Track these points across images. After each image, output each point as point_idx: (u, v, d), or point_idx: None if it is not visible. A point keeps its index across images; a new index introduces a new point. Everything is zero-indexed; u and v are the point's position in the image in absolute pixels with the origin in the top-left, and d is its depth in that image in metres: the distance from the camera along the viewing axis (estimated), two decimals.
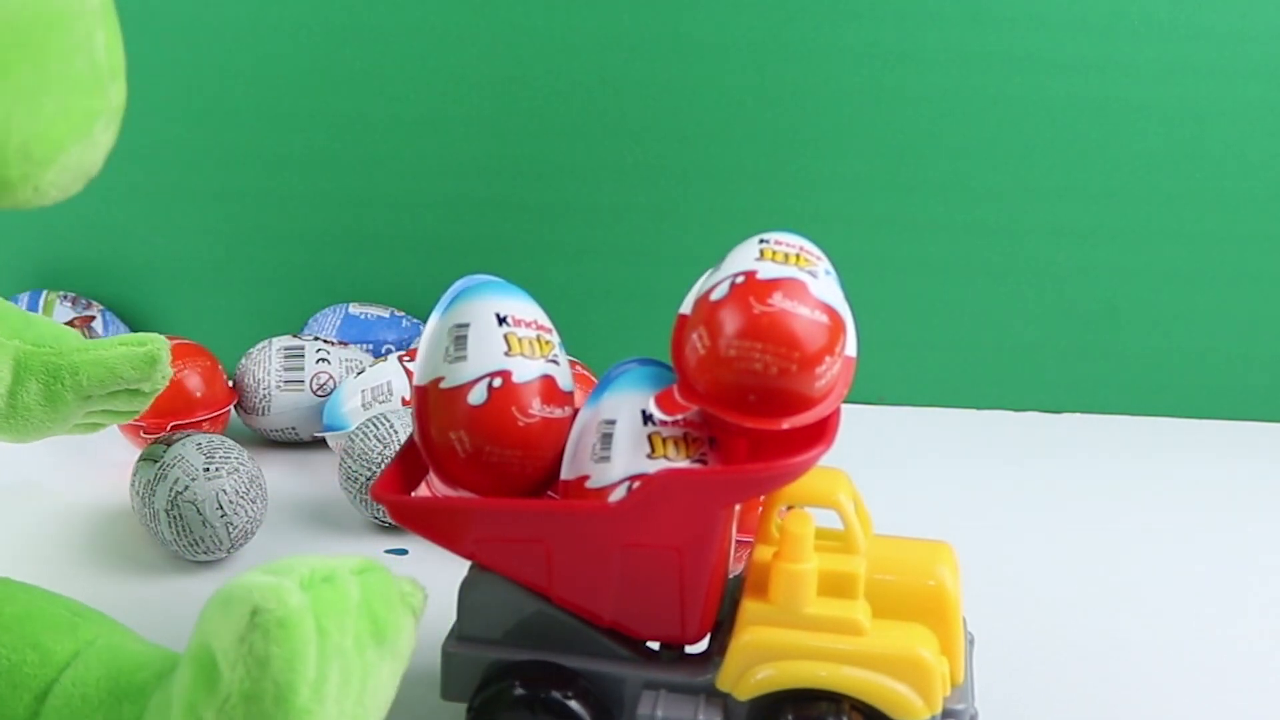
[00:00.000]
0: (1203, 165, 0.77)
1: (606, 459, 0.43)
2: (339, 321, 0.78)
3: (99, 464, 0.70)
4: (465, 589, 0.45)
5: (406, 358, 0.69)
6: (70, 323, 0.78)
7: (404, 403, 0.67)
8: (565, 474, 0.44)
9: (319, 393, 0.71)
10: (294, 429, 0.72)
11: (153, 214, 0.81)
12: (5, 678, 0.41)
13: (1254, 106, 0.76)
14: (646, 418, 0.43)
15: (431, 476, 0.45)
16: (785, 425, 0.40)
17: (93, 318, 0.79)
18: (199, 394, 0.69)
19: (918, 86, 0.76)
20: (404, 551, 0.62)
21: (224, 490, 0.58)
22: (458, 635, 0.45)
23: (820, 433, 0.41)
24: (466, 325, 0.44)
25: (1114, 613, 0.58)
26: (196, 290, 0.82)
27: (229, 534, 0.58)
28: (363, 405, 0.67)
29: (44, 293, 0.79)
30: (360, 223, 0.80)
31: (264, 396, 0.71)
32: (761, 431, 0.41)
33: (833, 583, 0.42)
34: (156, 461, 0.59)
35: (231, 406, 0.71)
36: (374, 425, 0.62)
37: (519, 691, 0.43)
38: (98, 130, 0.36)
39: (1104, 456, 0.75)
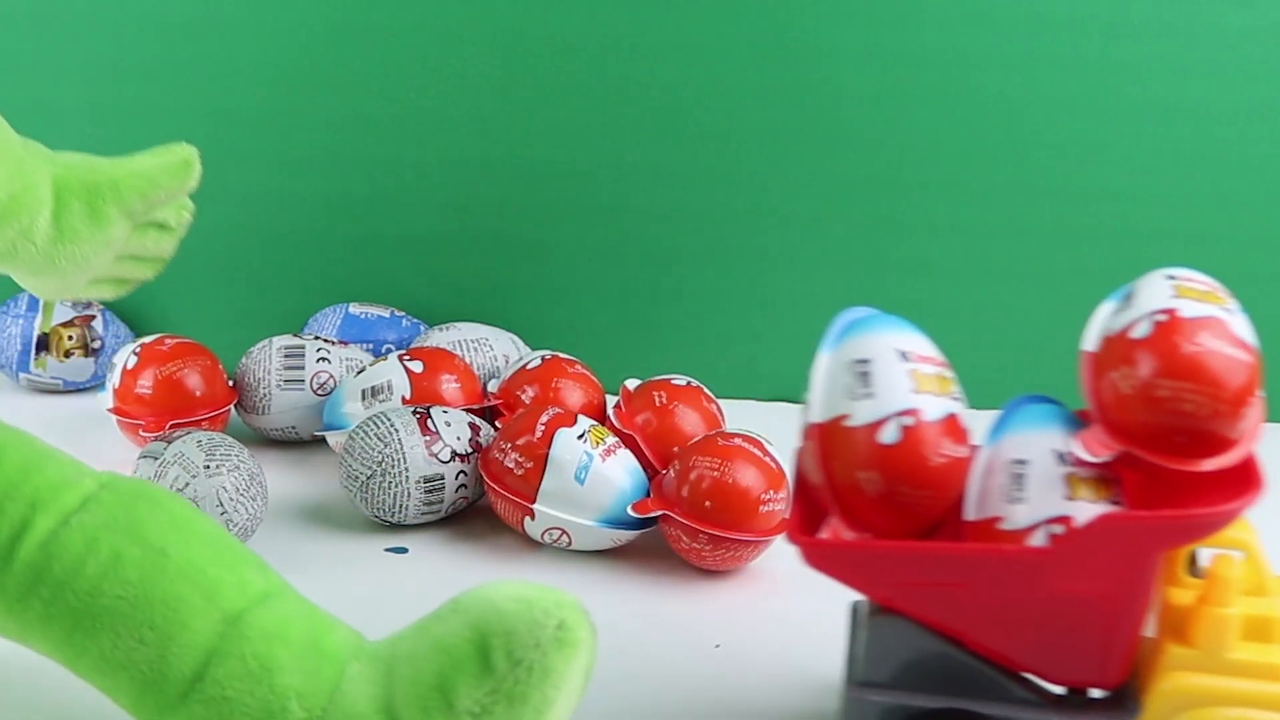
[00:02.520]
0: (1203, 166, 0.77)
1: (1020, 500, 0.42)
2: (339, 321, 0.78)
3: (100, 462, 0.69)
4: (869, 632, 0.43)
5: (406, 357, 0.69)
6: (70, 322, 0.78)
7: (404, 401, 0.67)
8: (971, 514, 0.43)
9: (319, 392, 0.71)
10: (294, 428, 0.72)
11: None
12: (202, 591, 0.42)
13: (1255, 107, 0.76)
14: (1061, 458, 0.42)
15: (836, 517, 0.44)
16: (1207, 467, 0.40)
17: (93, 317, 0.79)
18: (199, 393, 0.69)
19: (918, 87, 0.76)
20: (404, 550, 0.62)
21: (224, 488, 0.58)
22: (858, 680, 0.44)
23: (1245, 476, 0.40)
24: (868, 361, 0.43)
25: None
26: (197, 289, 0.82)
27: (229, 531, 0.58)
28: (363, 404, 0.67)
29: None
30: (360, 223, 0.80)
31: (264, 395, 0.71)
32: (1181, 473, 0.40)
33: (1253, 626, 0.42)
34: (157, 459, 0.59)
35: (232, 405, 0.71)
36: (374, 424, 0.62)
37: None
38: None
39: None
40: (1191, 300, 0.41)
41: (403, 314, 0.80)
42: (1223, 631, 0.41)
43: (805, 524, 0.44)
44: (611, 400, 0.69)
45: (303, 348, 0.72)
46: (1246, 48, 0.75)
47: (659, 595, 0.59)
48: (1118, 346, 0.41)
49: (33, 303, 0.78)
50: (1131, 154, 0.77)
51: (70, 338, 0.78)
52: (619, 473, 0.61)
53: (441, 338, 0.76)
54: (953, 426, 0.43)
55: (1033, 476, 0.42)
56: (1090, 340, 0.44)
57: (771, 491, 0.59)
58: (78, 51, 0.78)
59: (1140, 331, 0.41)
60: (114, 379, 0.69)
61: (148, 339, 0.71)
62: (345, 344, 0.74)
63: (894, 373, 0.43)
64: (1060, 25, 0.75)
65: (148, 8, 0.77)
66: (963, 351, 0.81)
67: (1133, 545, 0.40)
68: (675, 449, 0.64)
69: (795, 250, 0.80)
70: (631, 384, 0.69)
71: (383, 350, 0.78)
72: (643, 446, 0.65)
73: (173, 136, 0.79)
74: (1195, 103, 0.76)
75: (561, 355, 0.72)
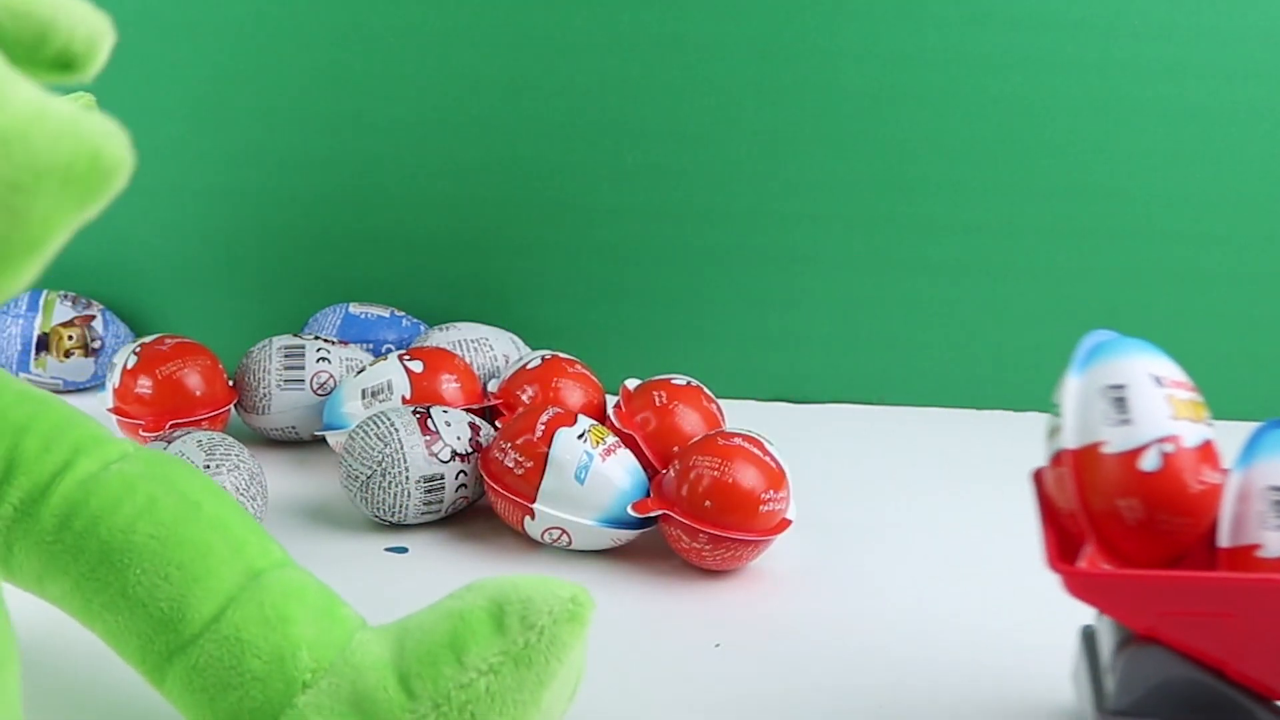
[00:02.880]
0: (1203, 165, 0.77)
1: None
2: (339, 321, 0.78)
3: None
4: (1127, 662, 0.43)
5: (406, 357, 0.69)
6: (70, 322, 0.78)
7: (404, 401, 0.67)
8: (1225, 541, 0.43)
9: (319, 392, 0.71)
10: (294, 428, 0.72)
11: (153, 213, 0.81)
12: (230, 544, 0.44)
13: (1255, 106, 0.76)
14: None
15: (1091, 546, 0.44)
16: None
17: (93, 317, 0.79)
18: (199, 393, 0.69)
19: (918, 86, 0.76)
20: (404, 550, 0.62)
21: (224, 487, 0.58)
22: (1111, 710, 0.44)
23: None
24: (1123, 386, 0.43)
25: None
26: (197, 289, 0.82)
27: None
28: (363, 404, 0.67)
29: (44, 292, 0.79)
30: (360, 222, 0.80)
31: (264, 395, 0.71)
32: None
33: None
34: None
35: (232, 406, 0.71)
36: (374, 424, 0.62)
37: None
38: None
39: None
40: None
41: (403, 314, 0.80)
42: None
43: (1062, 552, 0.44)
44: (611, 400, 0.70)
45: (303, 348, 0.72)
46: (1248, 47, 0.75)
47: (659, 595, 0.59)
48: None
49: (33, 303, 0.78)
50: (1134, 154, 0.77)
51: (70, 338, 0.78)
52: (619, 472, 0.61)
53: (441, 338, 0.76)
54: (1209, 453, 0.44)
55: None
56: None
57: (772, 491, 0.59)
58: None
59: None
60: (114, 379, 0.69)
61: (148, 339, 0.71)
62: (345, 344, 0.74)
63: (1151, 398, 0.43)
64: (1061, 25, 0.75)
65: (148, 7, 0.77)
66: (964, 351, 0.81)
67: None
68: (675, 449, 0.64)
69: (796, 250, 0.80)
70: (631, 384, 0.69)
71: (383, 350, 0.78)
72: (643, 446, 0.65)
73: (173, 136, 0.79)
74: (1196, 103, 0.76)
75: (561, 355, 0.72)
